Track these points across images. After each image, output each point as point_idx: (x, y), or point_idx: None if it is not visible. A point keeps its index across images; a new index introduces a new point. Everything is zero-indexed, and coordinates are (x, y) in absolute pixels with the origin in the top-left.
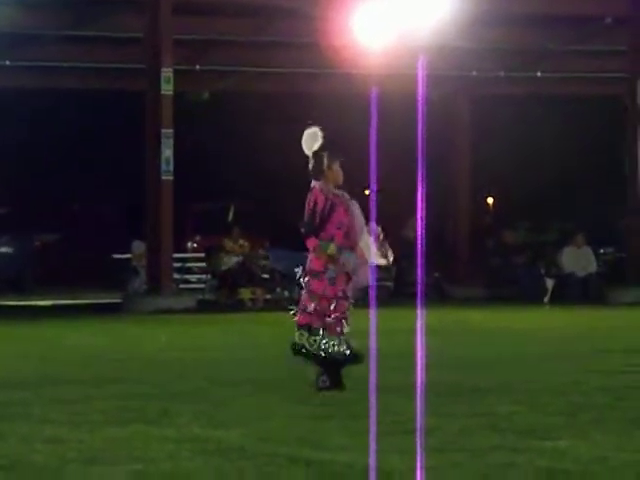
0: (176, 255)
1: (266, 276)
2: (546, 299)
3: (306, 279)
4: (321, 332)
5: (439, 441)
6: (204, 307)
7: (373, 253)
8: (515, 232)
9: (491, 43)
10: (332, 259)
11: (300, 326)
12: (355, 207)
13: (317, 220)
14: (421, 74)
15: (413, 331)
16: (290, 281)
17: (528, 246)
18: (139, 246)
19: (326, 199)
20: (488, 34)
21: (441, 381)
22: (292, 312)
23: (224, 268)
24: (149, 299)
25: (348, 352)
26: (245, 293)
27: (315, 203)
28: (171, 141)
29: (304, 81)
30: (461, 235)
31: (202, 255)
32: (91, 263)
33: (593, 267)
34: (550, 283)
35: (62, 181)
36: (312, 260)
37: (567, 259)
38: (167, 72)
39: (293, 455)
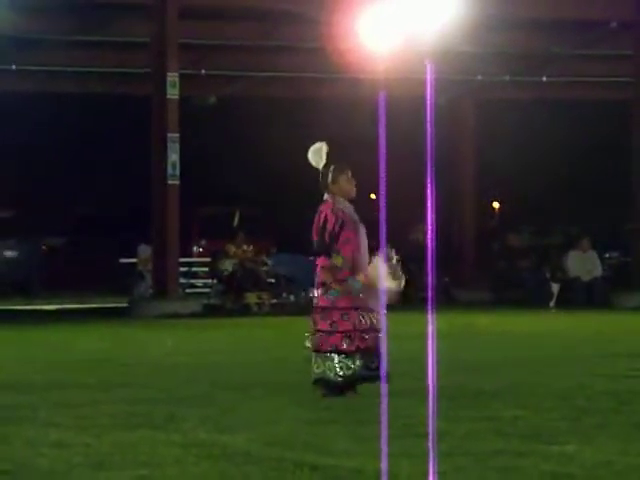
0: (182, 259)
1: (272, 280)
2: (552, 303)
3: (316, 293)
4: (335, 356)
5: (446, 445)
6: (210, 312)
7: (383, 277)
8: (520, 236)
9: (496, 47)
10: (337, 271)
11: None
12: (362, 230)
13: (327, 239)
14: (429, 79)
15: (423, 335)
16: (296, 286)
17: (533, 250)
18: (145, 250)
19: (336, 217)
20: (494, 38)
21: (448, 385)
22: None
23: (225, 273)
24: (155, 303)
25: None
26: (251, 297)
27: (325, 221)
28: (177, 145)
29: (310, 86)
30: (466, 239)
31: (208, 260)
32: (97, 267)
33: (598, 271)
34: (555, 287)
35: (68, 185)
36: (319, 275)
37: (572, 263)
38: (173, 76)
39: (299, 460)
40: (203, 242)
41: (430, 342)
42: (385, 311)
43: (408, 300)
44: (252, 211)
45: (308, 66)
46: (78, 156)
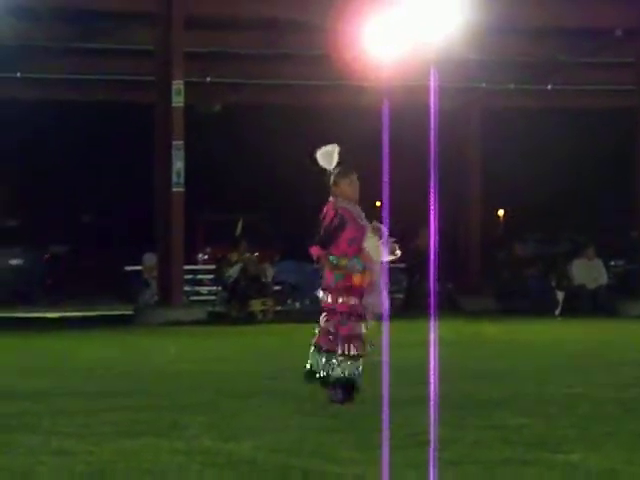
0: (187, 267)
1: (277, 288)
2: (557, 312)
3: (321, 295)
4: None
5: (452, 454)
6: (214, 319)
7: (381, 251)
8: (525, 244)
9: (502, 55)
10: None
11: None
12: (367, 229)
13: (323, 232)
14: (433, 86)
15: (426, 343)
16: (300, 293)
17: (539, 258)
18: (150, 258)
19: (335, 213)
20: (499, 46)
21: (453, 393)
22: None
23: (230, 280)
24: (160, 311)
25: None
26: (256, 305)
27: (325, 217)
28: (182, 153)
29: (315, 93)
30: (472, 246)
31: (213, 267)
32: (102, 275)
33: (604, 279)
34: (561, 296)
35: (73, 193)
36: (326, 275)
37: (578, 271)
38: (178, 84)
39: (305, 468)
40: (208, 249)
41: (432, 350)
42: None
43: (408, 308)
44: (256, 218)
45: (312, 74)
46: (83, 164)
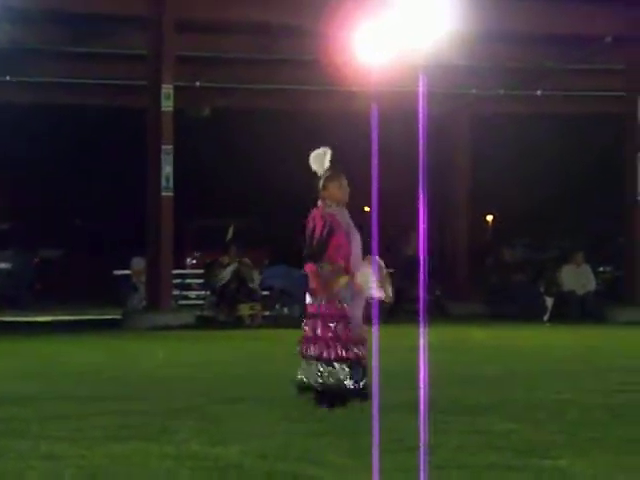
0: (175, 271)
1: (265, 293)
2: (546, 317)
3: (308, 299)
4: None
5: (439, 458)
6: (203, 323)
7: (372, 286)
8: (513, 250)
9: (491, 61)
10: (325, 278)
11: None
12: (356, 236)
13: (315, 245)
14: (421, 91)
15: (415, 348)
16: (289, 298)
17: (527, 264)
18: (138, 262)
19: (324, 222)
20: (488, 52)
21: (441, 398)
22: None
23: (222, 282)
24: (148, 315)
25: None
26: (244, 309)
27: (314, 227)
28: (171, 157)
29: (305, 98)
30: (460, 252)
31: (201, 271)
32: (91, 279)
33: (592, 285)
34: (550, 302)
35: (64, 197)
36: (309, 281)
37: (566, 277)
38: (167, 88)
39: (292, 472)
40: (197, 254)
41: (421, 355)
42: (371, 322)
43: (396, 313)
44: (246, 223)
45: (302, 79)
46: (74, 169)
